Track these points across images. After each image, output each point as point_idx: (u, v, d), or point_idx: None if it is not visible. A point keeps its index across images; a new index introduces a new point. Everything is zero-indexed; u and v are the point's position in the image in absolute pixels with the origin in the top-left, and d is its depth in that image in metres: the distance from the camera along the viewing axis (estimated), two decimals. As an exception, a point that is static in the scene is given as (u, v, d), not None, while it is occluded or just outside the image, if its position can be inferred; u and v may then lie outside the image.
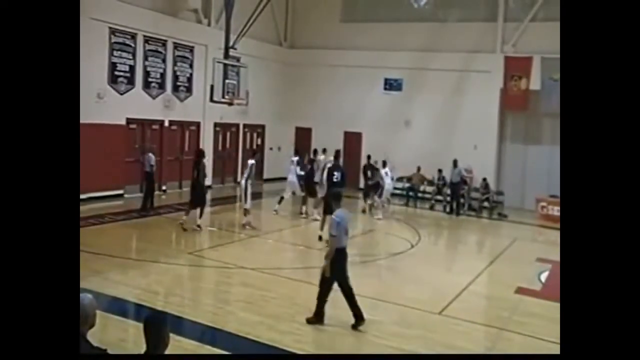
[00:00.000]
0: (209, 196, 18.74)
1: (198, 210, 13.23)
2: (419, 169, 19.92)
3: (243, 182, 13.91)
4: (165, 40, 17.98)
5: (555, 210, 16.92)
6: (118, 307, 7.84)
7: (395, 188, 20.60)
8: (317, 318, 7.63)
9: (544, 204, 17.87)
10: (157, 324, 3.69)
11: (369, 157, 18.41)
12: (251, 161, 14.05)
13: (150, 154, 15.70)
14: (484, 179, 18.90)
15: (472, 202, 18.80)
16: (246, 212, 13.72)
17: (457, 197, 18.01)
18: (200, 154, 13.65)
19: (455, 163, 18.13)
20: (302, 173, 15.83)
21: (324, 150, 18.02)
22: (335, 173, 13.16)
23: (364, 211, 17.14)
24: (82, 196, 14.92)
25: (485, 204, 18.73)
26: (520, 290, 9.85)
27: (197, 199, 13.28)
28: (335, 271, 7.50)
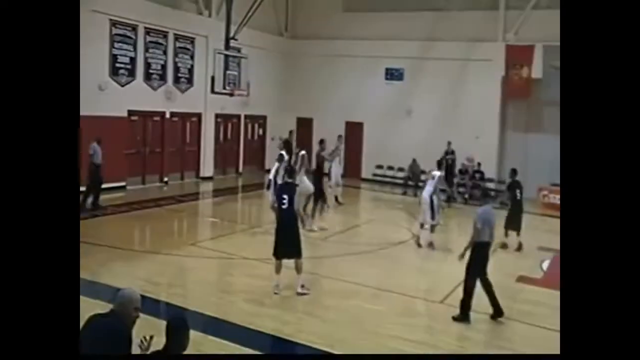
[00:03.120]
0: (210, 187, 18.80)
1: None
2: (414, 160, 19.86)
3: None
4: (166, 32, 17.93)
5: (557, 199, 16.90)
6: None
7: (394, 177, 20.90)
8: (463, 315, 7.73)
9: (545, 192, 17.85)
10: (179, 328, 3.80)
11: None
12: None
13: (95, 144, 13.82)
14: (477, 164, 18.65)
15: (460, 189, 18.67)
16: None
17: (451, 186, 18.03)
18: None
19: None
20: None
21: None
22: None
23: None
24: (84, 188, 14.95)
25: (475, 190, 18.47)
26: (521, 279, 9.88)
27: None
28: (474, 264, 7.70)
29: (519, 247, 12.14)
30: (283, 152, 12.76)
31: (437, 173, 12.38)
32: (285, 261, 8.49)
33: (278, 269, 8.47)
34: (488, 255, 7.94)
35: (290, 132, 18.49)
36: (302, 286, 8.47)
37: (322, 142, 14.77)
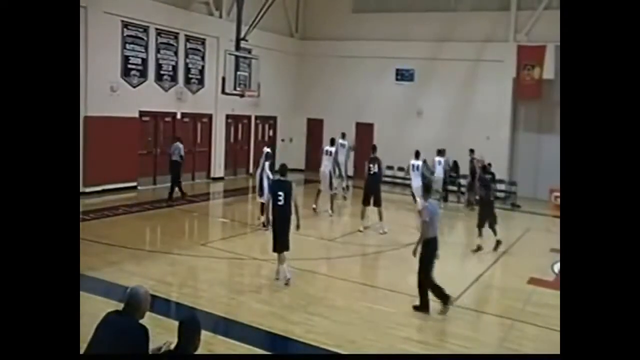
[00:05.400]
0: (220, 188, 18.88)
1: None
2: (424, 161, 19.77)
3: None
4: (177, 33, 18.04)
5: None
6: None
7: (405, 178, 20.82)
8: (422, 306, 7.96)
9: (557, 193, 17.70)
10: (191, 329, 3.84)
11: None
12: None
13: (178, 143, 15.75)
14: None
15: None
16: None
17: (446, 185, 18.02)
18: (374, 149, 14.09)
19: (442, 152, 18.34)
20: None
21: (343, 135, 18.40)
22: (371, 165, 13.49)
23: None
24: (96, 188, 15.13)
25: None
26: (532, 281, 9.82)
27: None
28: (425, 259, 7.90)
29: (497, 246, 11.81)
30: (269, 150, 13.26)
31: (417, 162, 13.63)
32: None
33: (282, 261, 8.85)
34: (437, 250, 8.07)
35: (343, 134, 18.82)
36: (288, 278, 8.80)
37: (374, 148, 14.43)
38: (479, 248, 11.75)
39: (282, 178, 9.06)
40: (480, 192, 12.51)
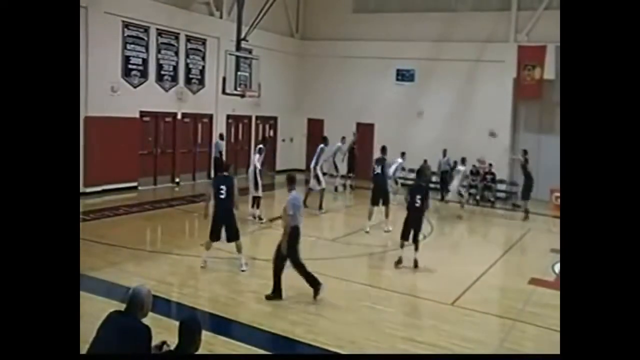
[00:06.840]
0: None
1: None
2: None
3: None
4: (178, 33, 18.05)
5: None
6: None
7: (405, 179, 20.79)
8: (276, 294, 8.17)
9: (557, 194, 17.71)
10: (192, 329, 3.85)
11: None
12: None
13: (220, 141, 17.99)
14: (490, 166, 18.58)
15: (471, 190, 18.57)
16: None
17: (446, 185, 18.01)
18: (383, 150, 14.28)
19: (444, 152, 18.72)
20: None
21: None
22: (375, 166, 13.77)
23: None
24: (96, 189, 15.13)
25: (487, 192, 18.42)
26: (533, 281, 9.81)
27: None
28: (289, 247, 8.08)
29: (415, 265, 10.24)
30: (262, 146, 14.04)
31: (399, 160, 15.04)
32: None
33: (208, 247, 9.58)
34: (299, 238, 8.23)
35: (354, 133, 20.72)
36: (246, 264, 9.49)
37: (384, 149, 14.31)
38: (399, 261, 10.38)
39: (224, 174, 9.70)
40: (411, 198, 10.63)
